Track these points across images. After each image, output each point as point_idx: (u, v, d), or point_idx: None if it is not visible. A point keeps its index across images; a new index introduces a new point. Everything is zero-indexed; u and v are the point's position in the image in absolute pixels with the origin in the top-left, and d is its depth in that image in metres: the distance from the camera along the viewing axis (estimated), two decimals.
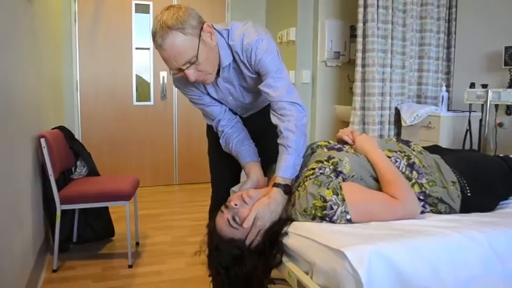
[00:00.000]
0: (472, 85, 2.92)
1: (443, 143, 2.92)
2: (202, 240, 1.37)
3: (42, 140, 2.32)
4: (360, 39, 3.24)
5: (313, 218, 1.24)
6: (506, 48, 2.92)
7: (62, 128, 2.83)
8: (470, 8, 3.41)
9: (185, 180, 4.69)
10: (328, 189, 1.24)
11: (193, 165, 4.62)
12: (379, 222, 1.23)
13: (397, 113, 3.35)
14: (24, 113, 2.17)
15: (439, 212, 1.35)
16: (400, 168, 1.38)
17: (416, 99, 3.53)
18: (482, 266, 1.09)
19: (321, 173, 1.32)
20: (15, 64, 2.00)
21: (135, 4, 4.36)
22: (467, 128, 2.95)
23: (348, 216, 1.22)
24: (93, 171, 2.84)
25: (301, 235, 1.20)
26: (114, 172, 4.25)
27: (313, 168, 1.36)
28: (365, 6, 3.18)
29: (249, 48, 1.43)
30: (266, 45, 1.43)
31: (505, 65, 2.94)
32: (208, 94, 1.62)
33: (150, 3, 4.38)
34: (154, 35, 1.30)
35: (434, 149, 1.60)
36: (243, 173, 1.69)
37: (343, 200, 1.23)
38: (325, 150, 1.49)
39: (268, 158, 1.55)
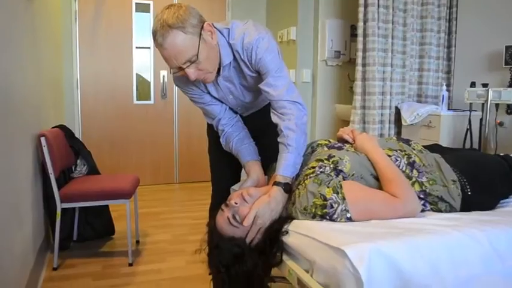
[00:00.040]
0: (473, 84, 2.92)
1: (444, 142, 2.92)
2: (202, 238, 1.37)
3: (43, 139, 2.32)
4: (360, 39, 3.24)
5: (314, 217, 1.24)
6: (507, 47, 2.92)
7: (62, 127, 2.83)
8: (470, 7, 3.41)
9: (185, 179, 4.69)
10: (328, 187, 1.24)
11: (193, 163, 4.63)
12: (380, 220, 1.23)
13: (398, 112, 3.35)
14: (25, 111, 2.17)
15: (440, 211, 1.35)
16: (401, 167, 1.38)
17: (417, 99, 3.53)
18: (483, 265, 1.09)
19: (321, 172, 1.32)
20: (16, 63, 2.00)
21: (136, 3, 4.35)
22: (468, 127, 2.95)
23: (348, 215, 1.22)
24: (93, 170, 2.84)
25: (302, 233, 1.20)
26: (114, 171, 4.26)
27: (314, 167, 1.36)
28: (365, 6, 3.18)
29: (249, 47, 1.43)
30: (267, 44, 1.43)
31: (505, 64, 2.94)
32: (209, 93, 1.62)
33: (151, 2, 4.38)
34: (154, 34, 1.30)
35: (434, 148, 1.60)
36: (243, 172, 1.69)
37: (344, 198, 1.23)
38: (326, 149, 1.49)
39: (269, 156, 1.55)
